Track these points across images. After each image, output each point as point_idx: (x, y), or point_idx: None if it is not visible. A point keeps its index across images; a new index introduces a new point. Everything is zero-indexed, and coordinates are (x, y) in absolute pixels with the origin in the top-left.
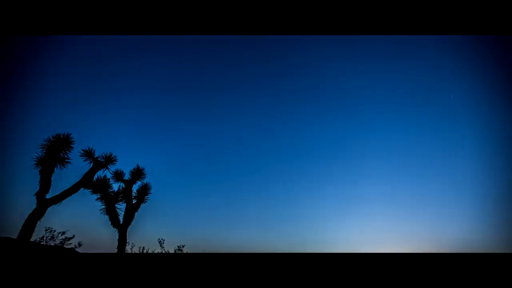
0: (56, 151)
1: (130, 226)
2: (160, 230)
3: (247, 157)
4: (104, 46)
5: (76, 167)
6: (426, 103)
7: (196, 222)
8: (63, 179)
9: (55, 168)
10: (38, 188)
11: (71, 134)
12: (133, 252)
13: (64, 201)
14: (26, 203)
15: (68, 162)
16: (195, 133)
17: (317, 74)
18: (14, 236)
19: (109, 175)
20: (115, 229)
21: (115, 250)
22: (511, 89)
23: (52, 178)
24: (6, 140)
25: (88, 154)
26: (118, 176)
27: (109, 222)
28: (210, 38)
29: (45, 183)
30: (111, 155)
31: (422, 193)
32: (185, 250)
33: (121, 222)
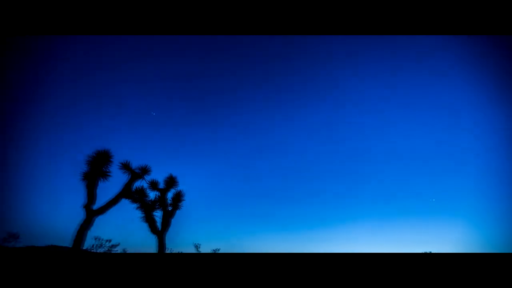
0: (98, 166)
1: (167, 232)
2: (196, 235)
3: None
4: (125, 47)
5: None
6: (426, 103)
7: (231, 225)
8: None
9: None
10: (77, 200)
11: (110, 149)
12: None
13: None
14: (66, 213)
15: (109, 175)
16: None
17: (319, 74)
18: (59, 244)
19: (145, 185)
20: (155, 236)
21: None
22: (511, 89)
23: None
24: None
25: (125, 166)
26: (154, 185)
27: (149, 229)
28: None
29: (91, 196)
30: (146, 166)
31: (422, 194)
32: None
33: (159, 229)
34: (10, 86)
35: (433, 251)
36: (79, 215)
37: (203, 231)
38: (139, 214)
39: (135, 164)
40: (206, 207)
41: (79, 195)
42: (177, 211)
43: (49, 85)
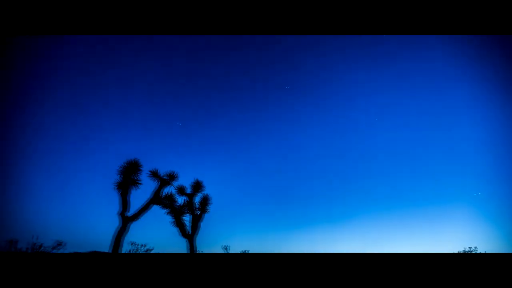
0: (129, 175)
1: (197, 235)
2: (225, 237)
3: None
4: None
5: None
6: (427, 103)
7: (259, 227)
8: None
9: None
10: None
11: (138, 159)
12: None
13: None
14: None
15: (140, 183)
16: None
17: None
18: (99, 250)
19: (173, 191)
20: (185, 239)
21: None
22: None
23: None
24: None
25: (154, 174)
26: (181, 190)
27: (179, 233)
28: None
29: (125, 203)
30: (173, 172)
31: (422, 193)
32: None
33: (189, 232)
34: (10, 86)
35: (433, 251)
36: (109, 221)
37: (232, 233)
38: (169, 219)
39: (162, 171)
40: (232, 210)
41: (108, 201)
42: (205, 215)
43: (49, 85)
